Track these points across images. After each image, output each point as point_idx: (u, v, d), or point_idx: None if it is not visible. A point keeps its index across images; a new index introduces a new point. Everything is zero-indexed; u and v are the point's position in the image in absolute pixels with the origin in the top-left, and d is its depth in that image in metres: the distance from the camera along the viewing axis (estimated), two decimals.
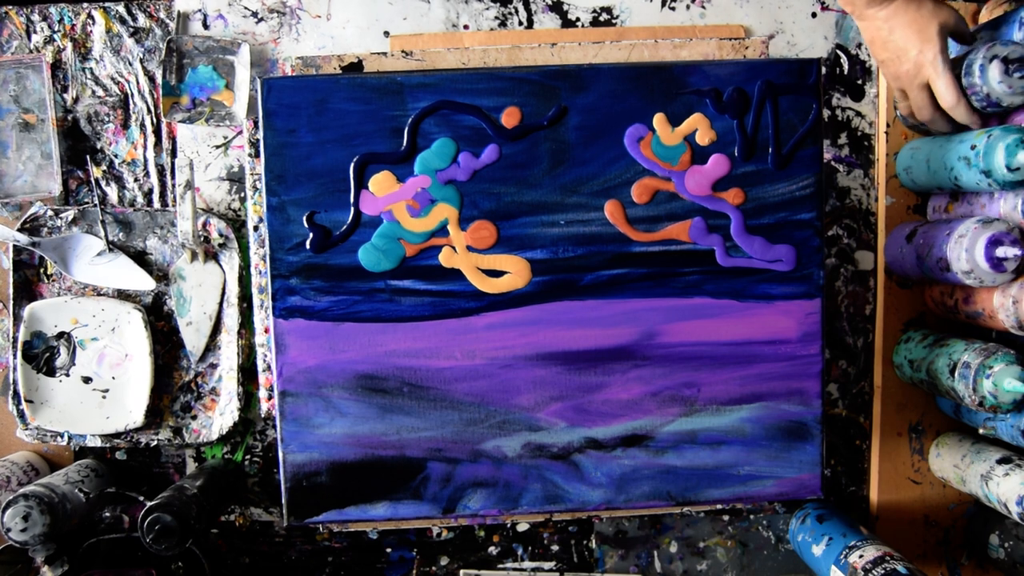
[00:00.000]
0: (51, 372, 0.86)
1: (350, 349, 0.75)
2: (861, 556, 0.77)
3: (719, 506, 0.91)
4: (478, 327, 0.75)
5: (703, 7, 0.89)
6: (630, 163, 0.75)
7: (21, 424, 0.86)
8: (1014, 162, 0.70)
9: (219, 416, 0.87)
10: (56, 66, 0.87)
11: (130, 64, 0.88)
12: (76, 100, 0.88)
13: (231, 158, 0.88)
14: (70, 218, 0.86)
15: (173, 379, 0.88)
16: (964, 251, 0.73)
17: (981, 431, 0.82)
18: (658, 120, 0.74)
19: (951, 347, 0.79)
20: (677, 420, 0.77)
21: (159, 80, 0.86)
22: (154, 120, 0.88)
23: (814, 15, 0.90)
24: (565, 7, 0.89)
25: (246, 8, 0.88)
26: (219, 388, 0.88)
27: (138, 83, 0.88)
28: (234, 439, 0.89)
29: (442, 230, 0.75)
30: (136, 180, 0.88)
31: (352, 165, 0.74)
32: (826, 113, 0.90)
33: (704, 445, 0.78)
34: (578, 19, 0.89)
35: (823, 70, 0.90)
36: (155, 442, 0.87)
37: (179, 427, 0.88)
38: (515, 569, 0.92)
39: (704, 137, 0.75)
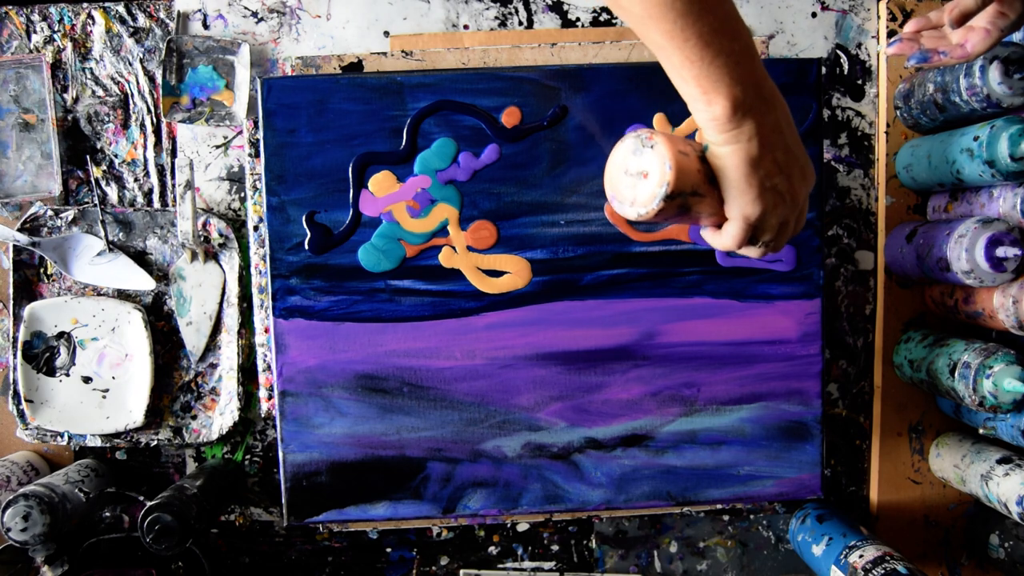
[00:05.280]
0: (51, 372, 0.86)
1: (350, 349, 0.75)
2: (861, 556, 0.77)
3: (719, 506, 0.91)
4: (478, 327, 0.76)
5: None
6: None
7: (21, 424, 0.86)
8: (1018, 151, 0.70)
9: (219, 416, 0.87)
10: (56, 66, 0.87)
11: (130, 64, 0.88)
12: (76, 100, 0.88)
13: (231, 158, 0.88)
14: (70, 218, 0.86)
15: (173, 379, 0.88)
16: (964, 251, 0.73)
17: (981, 431, 0.82)
18: (658, 120, 0.74)
19: (951, 347, 0.79)
20: (677, 420, 0.77)
21: (159, 80, 0.86)
22: (154, 120, 0.88)
23: (814, 15, 0.90)
24: (565, 7, 0.89)
25: (246, 8, 0.88)
26: (219, 388, 0.88)
27: (138, 83, 0.88)
28: (234, 439, 0.89)
29: (442, 230, 0.75)
30: (136, 180, 0.88)
31: (352, 165, 0.74)
32: (826, 113, 0.90)
33: (704, 445, 0.78)
34: (578, 19, 0.89)
35: (823, 70, 0.90)
36: (155, 442, 0.87)
37: (179, 427, 0.88)
38: (515, 569, 0.92)
39: (704, 137, 0.75)
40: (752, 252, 0.55)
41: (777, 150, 0.51)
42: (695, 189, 0.51)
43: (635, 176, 0.51)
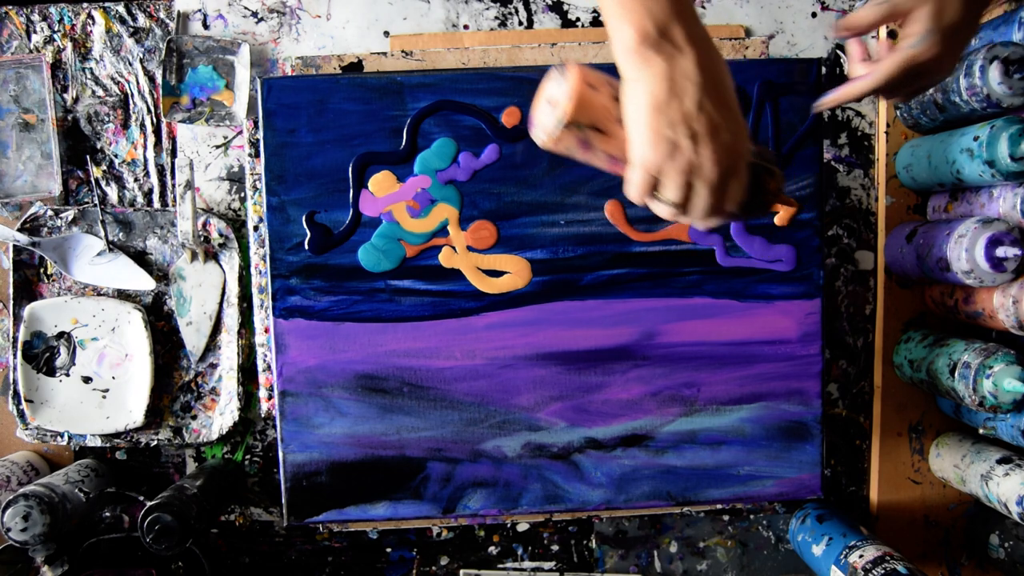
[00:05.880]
0: (51, 372, 0.86)
1: (350, 349, 0.75)
2: (861, 556, 0.77)
3: (719, 506, 0.91)
4: (478, 327, 0.76)
5: (703, 7, 0.89)
6: None
7: (21, 424, 0.86)
8: (1018, 151, 0.70)
9: (219, 416, 0.87)
10: (56, 66, 0.87)
11: (130, 64, 0.88)
12: (76, 100, 0.88)
13: (231, 158, 0.88)
14: (70, 218, 0.86)
15: (173, 379, 0.88)
16: (964, 251, 0.73)
17: (981, 431, 0.82)
18: None
19: (951, 347, 0.79)
20: (677, 420, 0.77)
21: (159, 80, 0.86)
22: (154, 120, 0.88)
23: (814, 15, 0.90)
24: (565, 7, 0.89)
25: (246, 8, 0.88)
26: (219, 388, 0.88)
27: (138, 83, 0.88)
28: (234, 439, 0.89)
29: (442, 230, 0.75)
30: (136, 180, 0.88)
31: (352, 165, 0.74)
32: (826, 113, 0.90)
33: (704, 445, 0.78)
34: (578, 19, 0.89)
35: (823, 70, 0.90)
36: (155, 442, 0.87)
37: (179, 427, 0.88)
38: (515, 569, 0.92)
39: None
40: (661, 210, 0.54)
41: (687, 99, 0.49)
42: (597, 124, 0.51)
43: (550, 104, 0.53)
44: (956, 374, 0.76)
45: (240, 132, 0.88)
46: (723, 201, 0.53)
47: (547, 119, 0.53)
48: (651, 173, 0.51)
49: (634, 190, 0.53)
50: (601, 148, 0.53)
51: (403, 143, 0.74)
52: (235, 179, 0.88)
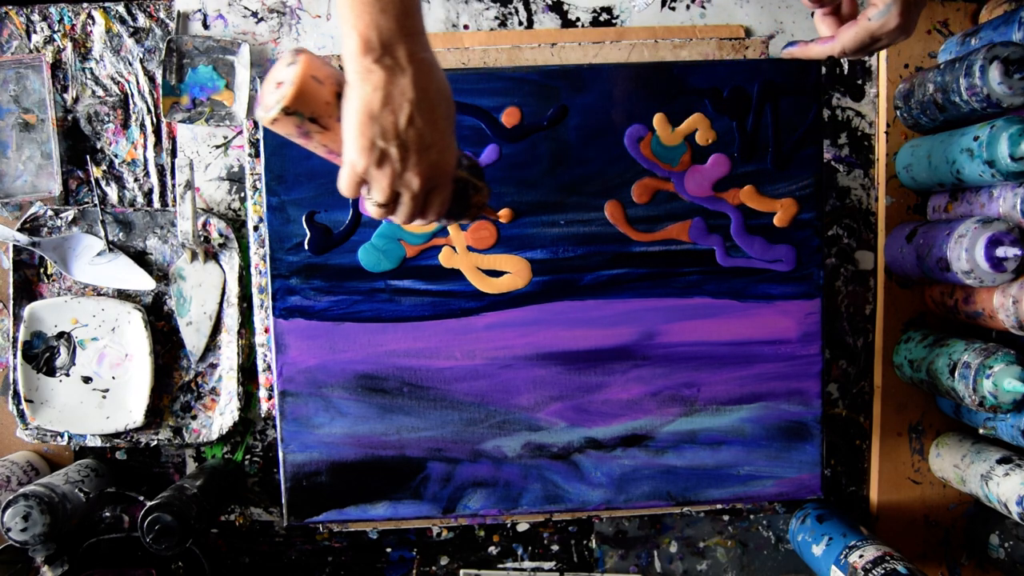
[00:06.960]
0: (51, 372, 0.86)
1: (350, 349, 0.75)
2: (861, 556, 0.77)
3: (719, 506, 0.91)
4: (478, 327, 0.76)
5: (703, 7, 0.89)
6: (630, 163, 0.75)
7: (21, 424, 0.86)
8: (1018, 151, 0.70)
9: (219, 416, 0.87)
10: (56, 66, 0.87)
11: (130, 64, 0.88)
12: (76, 100, 0.88)
13: (231, 158, 0.88)
14: (70, 218, 0.86)
15: (173, 379, 0.88)
16: (964, 251, 0.73)
17: (981, 431, 0.82)
18: (658, 120, 0.74)
19: (951, 347, 0.79)
20: (677, 420, 0.77)
21: (159, 80, 0.86)
22: (154, 120, 0.88)
23: (814, 15, 0.90)
24: (565, 7, 0.89)
25: (246, 8, 0.88)
26: (219, 388, 0.88)
27: (138, 83, 0.88)
28: (234, 439, 0.89)
29: (442, 230, 0.75)
30: (136, 180, 0.88)
31: None
32: (826, 113, 0.90)
33: (704, 445, 0.78)
34: (578, 19, 0.89)
35: (823, 70, 0.90)
36: (155, 442, 0.87)
37: (179, 427, 0.88)
38: (515, 569, 0.92)
39: (704, 137, 0.75)
40: (369, 208, 0.58)
41: (400, 115, 0.52)
42: (315, 116, 0.53)
43: (276, 85, 0.54)
44: (956, 374, 0.76)
45: (240, 132, 0.88)
46: (425, 210, 0.58)
47: (269, 99, 0.54)
48: (360, 175, 0.55)
49: (343, 187, 0.56)
50: (319, 140, 0.55)
51: None
52: (235, 179, 0.88)
